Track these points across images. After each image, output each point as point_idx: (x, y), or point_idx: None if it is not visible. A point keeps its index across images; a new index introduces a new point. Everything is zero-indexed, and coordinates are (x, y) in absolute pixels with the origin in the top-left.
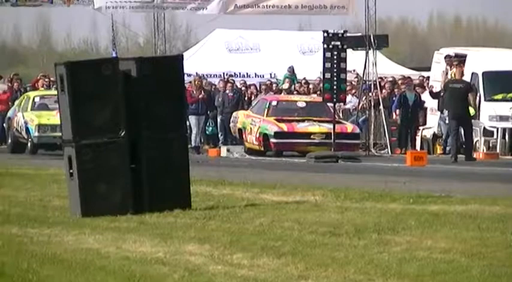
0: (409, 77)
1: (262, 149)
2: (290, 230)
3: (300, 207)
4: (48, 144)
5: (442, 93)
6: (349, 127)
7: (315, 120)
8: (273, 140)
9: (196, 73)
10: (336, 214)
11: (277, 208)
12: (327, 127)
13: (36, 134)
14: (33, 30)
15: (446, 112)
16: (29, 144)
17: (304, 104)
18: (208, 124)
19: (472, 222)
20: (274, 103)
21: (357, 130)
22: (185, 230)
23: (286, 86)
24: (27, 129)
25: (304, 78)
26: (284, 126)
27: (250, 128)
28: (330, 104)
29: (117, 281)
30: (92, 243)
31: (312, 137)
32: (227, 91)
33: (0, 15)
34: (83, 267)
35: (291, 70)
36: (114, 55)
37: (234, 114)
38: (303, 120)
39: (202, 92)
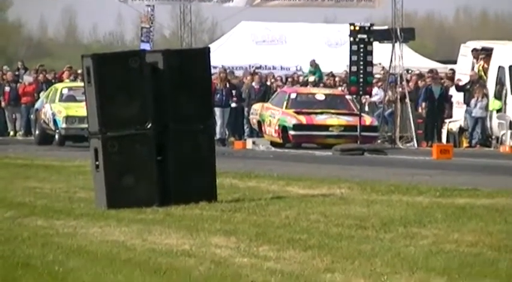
0: (435, 70)
1: (281, 141)
2: (316, 222)
3: (326, 200)
4: (75, 136)
5: (467, 86)
6: (368, 120)
7: (333, 113)
8: (291, 132)
9: (222, 66)
10: (362, 207)
11: (303, 201)
12: (345, 120)
13: (64, 125)
14: (59, 23)
15: (472, 105)
16: (56, 135)
17: (323, 97)
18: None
19: (499, 216)
20: (293, 96)
21: (375, 123)
22: (211, 222)
23: (312, 79)
24: (54, 121)
25: (331, 72)
26: (303, 119)
27: (270, 120)
28: (349, 97)
29: (143, 273)
30: (118, 235)
31: (330, 129)
32: (253, 83)
33: (26, 8)
34: (108, 259)
35: (313, 63)
36: (148, 48)
37: (254, 106)
38: (322, 113)
39: (227, 84)
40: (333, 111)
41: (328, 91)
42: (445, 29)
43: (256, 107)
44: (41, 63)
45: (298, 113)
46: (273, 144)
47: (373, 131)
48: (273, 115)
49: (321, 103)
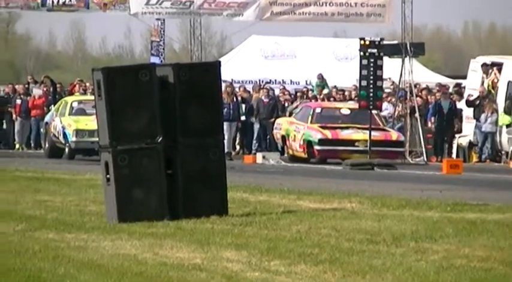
0: (444, 85)
1: (306, 156)
2: (327, 237)
3: (337, 214)
4: (85, 150)
5: (477, 101)
6: (394, 135)
7: (359, 128)
8: (317, 147)
9: (232, 80)
10: (373, 222)
11: (314, 215)
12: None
13: (74, 139)
14: (68, 36)
15: (482, 120)
16: (66, 149)
17: (348, 111)
18: None
19: (510, 231)
20: (318, 110)
21: (402, 138)
22: (222, 236)
23: (326, 91)
24: (64, 134)
25: (335, 86)
26: (328, 133)
27: (294, 135)
28: (374, 112)
29: None
30: (129, 249)
31: (356, 144)
32: (262, 97)
33: (35, 21)
34: (120, 273)
35: (321, 77)
36: (158, 61)
37: (278, 121)
38: (347, 128)
39: (234, 98)
40: (358, 126)
41: (353, 105)
42: (453, 42)
43: (281, 121)
44: (46, 75)
45: (323, 127)
46: (294, 158)
47: (400, 146)
48: (297, 130)
49: (346, 118)
